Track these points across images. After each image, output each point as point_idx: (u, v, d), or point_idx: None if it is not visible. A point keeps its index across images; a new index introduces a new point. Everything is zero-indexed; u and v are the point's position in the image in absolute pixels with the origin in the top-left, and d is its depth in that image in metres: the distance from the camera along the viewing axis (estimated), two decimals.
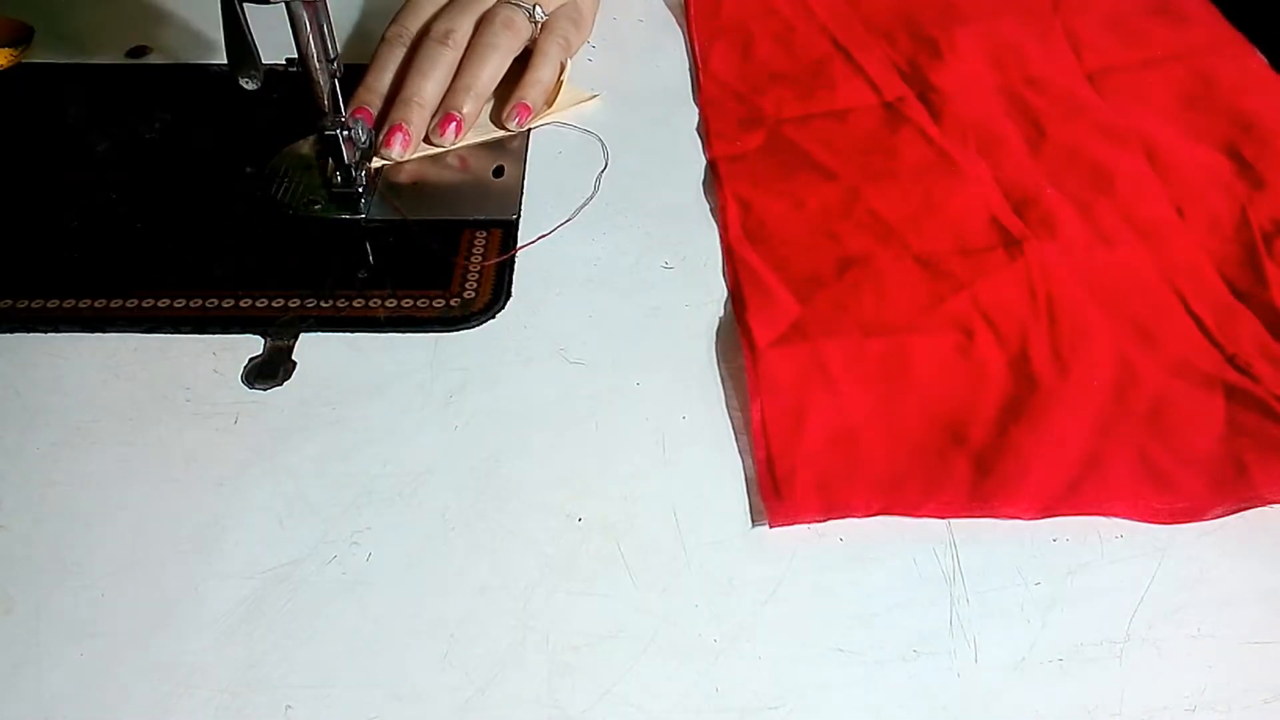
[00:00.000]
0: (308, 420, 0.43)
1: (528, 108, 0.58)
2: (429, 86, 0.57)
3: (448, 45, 0.57)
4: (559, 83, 0.60)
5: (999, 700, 0.35)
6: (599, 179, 0.55)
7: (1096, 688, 0.35)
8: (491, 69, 0.58)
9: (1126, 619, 0.37)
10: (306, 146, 0.57)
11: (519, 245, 0.51)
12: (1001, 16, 0.66)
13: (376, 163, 0.56)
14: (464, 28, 0.58)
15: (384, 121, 0.56)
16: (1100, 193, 0.53)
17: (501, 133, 0.59)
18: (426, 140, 0.57)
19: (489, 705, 0.34)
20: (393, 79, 0.58)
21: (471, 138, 0.58)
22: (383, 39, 0.59)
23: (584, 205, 0.53)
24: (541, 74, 0.60)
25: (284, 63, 0.50)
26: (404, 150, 0.56)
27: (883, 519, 0.39)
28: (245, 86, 0.47)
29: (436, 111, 0.57)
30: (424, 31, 0.58)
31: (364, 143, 0.54)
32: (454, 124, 0.57)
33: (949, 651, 0.36)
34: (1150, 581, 0.38)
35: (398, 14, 0.60)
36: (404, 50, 0.59)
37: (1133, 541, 0.39)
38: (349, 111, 0.54)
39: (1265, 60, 0.62)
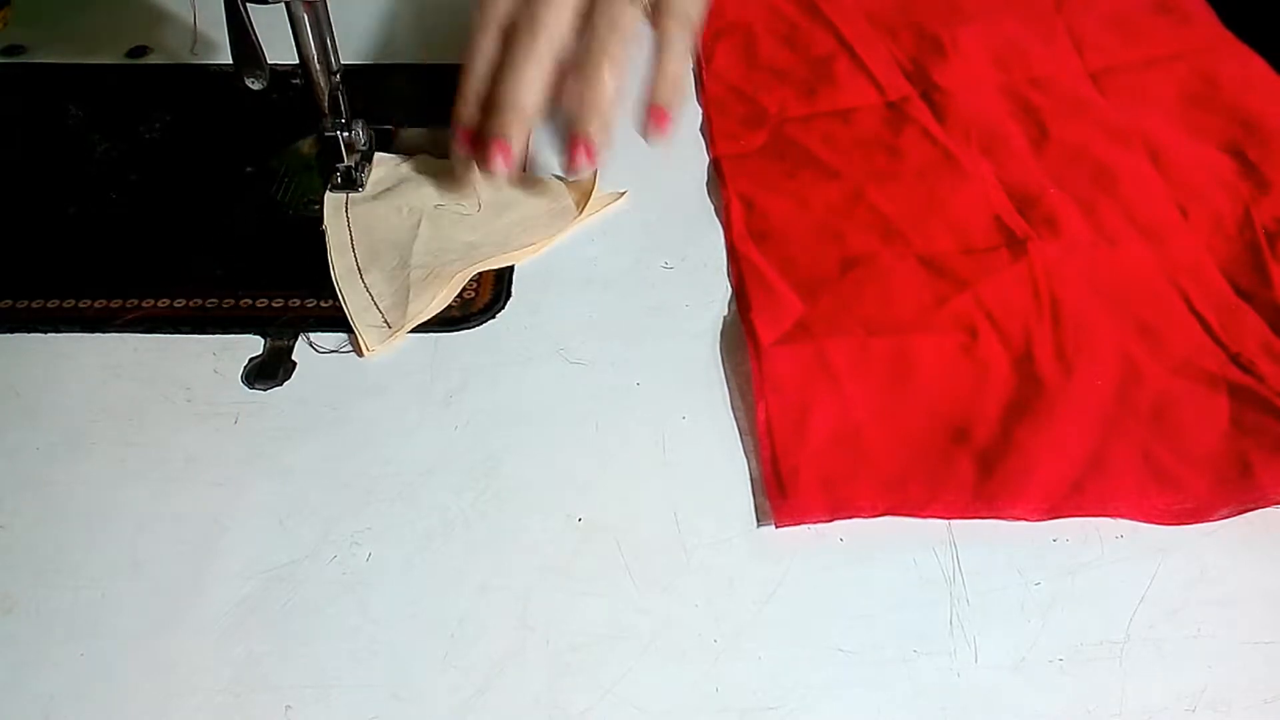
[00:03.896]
0: (308, 420, 0.43)
1: (664, 113, 0.48)
2: (527, 90, 0.46)
3: (540, 36, 0.46)
4: (590, 188, 0.53)
5: (999, 700, 0.35)
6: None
7: (1096, 688, 0.35)
8: (613, 84, 0.46)
9: (1126, 619, 0.37)
10: (306, 146, 0.56)
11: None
12: (1004, 16, 0.66)
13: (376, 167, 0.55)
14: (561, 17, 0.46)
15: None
16: (1103, 192, 0.53)
17: (515, 255, 0.51)
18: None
19: (489, 705, 0.34)
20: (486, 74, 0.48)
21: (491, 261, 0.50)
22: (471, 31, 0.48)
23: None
24: (671, 68, 0.48)
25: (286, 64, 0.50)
26: (506, 169, 0.47)
27: (883, 519, 0.39)
28: (252, 87, 0.47)
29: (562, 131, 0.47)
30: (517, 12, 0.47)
31: (364, 144, 0.54)
32: (583, 150, 0.47)
33: (949, 651, 0.36)
34: (1150, 581, 0.38)
35: None
36: (497, 40, 0.47)
37: (1133, 541, 0.39)
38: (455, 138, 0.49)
39: (1265, 62, 0.62)
